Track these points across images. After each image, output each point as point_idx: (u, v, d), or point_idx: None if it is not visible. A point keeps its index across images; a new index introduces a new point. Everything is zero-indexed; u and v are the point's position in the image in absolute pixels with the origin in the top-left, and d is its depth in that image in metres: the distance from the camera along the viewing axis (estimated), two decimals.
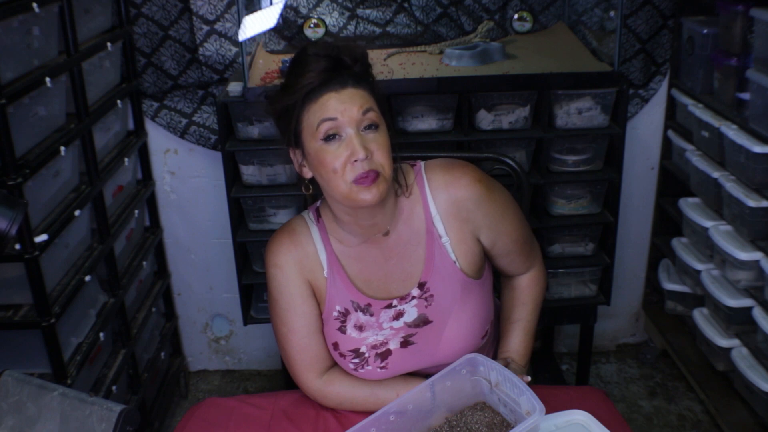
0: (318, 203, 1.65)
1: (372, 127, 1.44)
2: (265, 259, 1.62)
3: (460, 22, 2.75)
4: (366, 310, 1.60)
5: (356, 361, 1.61)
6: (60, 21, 2.10)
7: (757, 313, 2.39)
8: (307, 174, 1.52)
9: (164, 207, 2.99)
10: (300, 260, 1.59)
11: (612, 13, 2.63)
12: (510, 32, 2.80)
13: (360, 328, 1.60)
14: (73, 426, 1.29)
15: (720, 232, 2.53)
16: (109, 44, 2.43)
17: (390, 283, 1.60)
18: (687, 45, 2.71)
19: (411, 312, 1.60)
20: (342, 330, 1.61)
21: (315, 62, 1.42)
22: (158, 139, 2.87)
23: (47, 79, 1.98)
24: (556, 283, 2.70)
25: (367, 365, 1.60)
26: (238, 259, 2.61)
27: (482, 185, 1.58)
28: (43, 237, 1.94)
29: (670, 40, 2.77)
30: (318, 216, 1.63)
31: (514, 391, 1.38)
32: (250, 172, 2.51)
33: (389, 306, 1.60)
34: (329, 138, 1.43)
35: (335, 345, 1.62)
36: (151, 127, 2.84)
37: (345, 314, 1.60)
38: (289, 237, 1.61)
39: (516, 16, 2.77)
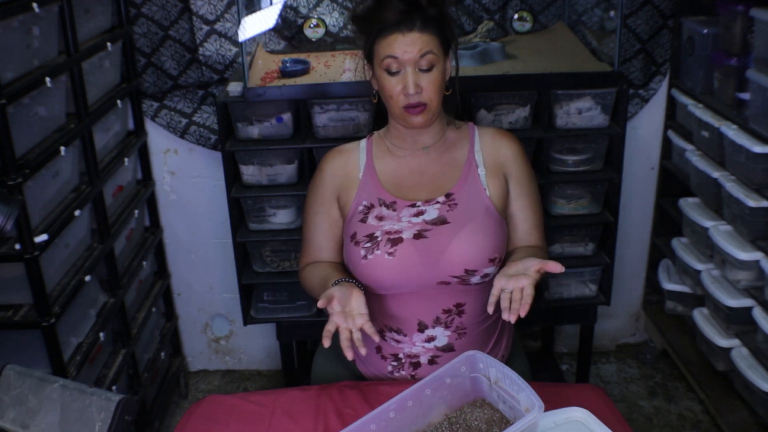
0: (374, 132, 1.89)
1: (428, 66, 1.66)
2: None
3: (460, 22, 2.75)
4: (390, 206, 1.76)
5: (368, 245, 1.71)
6: (60, 21, 2.11)
7: (757, 313, 2.39)
8: (375, 85, 1.76)
9: (164, 207, 2.99)
10: (340, 167, 1.83)
11: (612, 13, 2.64)
12: (510, 32, 2.80)
13: (380, 218, 1.75)
14: (72, 416, 1.30)
15: (720, 232, 2.53)
16: (109, 44, 2.43)
17: (419, 190, 1.78)
18: (687, 45, 2.72)
19: (431, 212, 1.74)
20: (363, 220, 1.76)
21: (393, 4, 1.62)
22: (158, 139, 2.87)
23: (47, 79, 1.99)
24: (556, 283, 2.70)
25: (377, 249, 1.70)
26: (238, 259, 2.61)
27: (523, 149, 1.84)
28: (43, 237, 1.94)
29: (670, 40, 2.77)
30: (370, 137, 1.88)
31: (513, 388, 1.38)
32: (250, 172, 2.51)
33: (413, 205, 1.76)
34: (390, 69, 1.67)
35: (353, 236, 1.75)
36: (151, 127, 2.84)
37: (369, 207, 1.77)
38: (339, 149, 1.88)
39: (516, 16, 2.77)
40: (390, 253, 1.69)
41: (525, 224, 1.81)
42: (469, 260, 1.68)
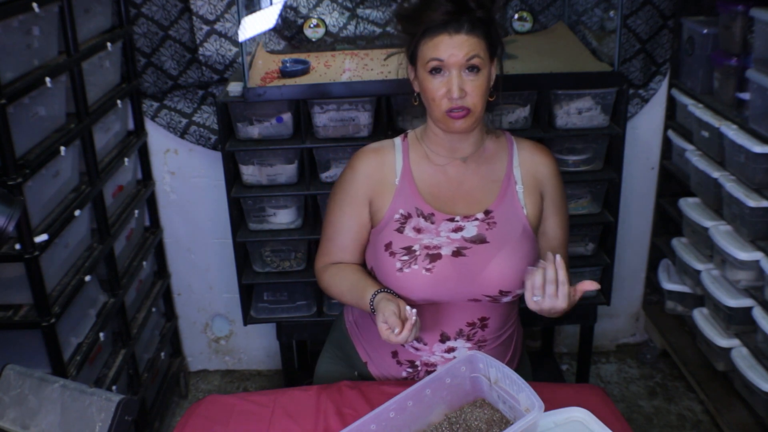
0: (408, 131, 1.83)
1: (474, 70, 1.60)
2: (348, 162, 1.82)
3: None
4: (428, 218, 1.71)
5: (405, 258, 1.67)
6: (60, 21, 2.11)
7: (757, 313, 2.39)
8: (417, 88, 1.71)
9: (164, 207, 2.99)
10: (375, 169, 1.76)
11: (612, 13, 2.64)
12: (510, 32, 2.80)
13: (418, 230, 1.71)
14: (73, 417, 1.30)
15: (720, 232, 2.53)
16: (109, 44, 2.43)
17: (457, 203, 1.74)
18: (687, 45, 2.72)
19: (471, 229, 1.71)
20: (400, 230, 1.71)
21: (441, 4, 1.57)
22: (158, 139, 2.87)
23: (47, 79, 1.99)
24: None
25: (415, 264, 1.67)
26: (238, 259, 2.61)
27: (558, 169, 1.82)
28: (43, 237, 1.94)
29: (670, 40, 2.77)
30: (405, 137, 1.81)
31: (513, 388, 1.39)
32: (250, 172, 2.51)
33: (451, 220, 1.71)
34: (434, 71, 1.61)
35: (388, 245, 1.71)
36: (151, 127, 2.84)
37: (406, 217, 1.72)
38: (374, 148, 1.80)
39: (516, 16, 2.77)
40: (428, 269, 1.66)
41: (553, 242, 1.81)
42: (505, 282, 1.67)
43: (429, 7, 1.58)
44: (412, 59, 1.68)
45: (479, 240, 1.69)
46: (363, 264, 1.83)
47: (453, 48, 1.58)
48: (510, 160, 1.77)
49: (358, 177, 1.77)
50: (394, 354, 1.78)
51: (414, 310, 1.55)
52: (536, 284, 1.53)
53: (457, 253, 1.67)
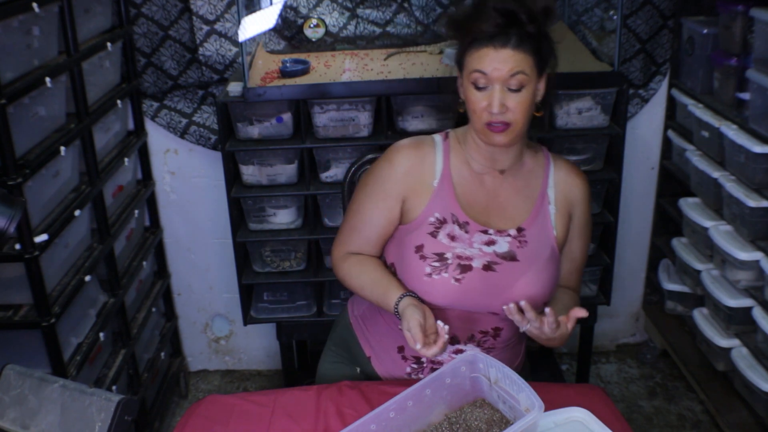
0: (448, 130, 1.80)
1: (517, 86, 1.58)
2: (384, 153, 1.78)
3: None
4: (463, 226, 1.70)
5: (436, 264, 1.67)
6: (60, 21, 2.11)
7: (757, 313, 2.39)
8: (461, 94, 1.68)
9: (164, 207, 2.99)
10: (413, 166, 1.73)
11: (612, 13, 2.64)
12: None
13: (452, 238, 1.69)
14: (73, 417, 1.30)
15: (720, 232, 2.53)
16: (109, 44, 2.43)
17: (492, 216, 1.72)
18: (687, 45, 2.72)
19: (503, 244, 1.70)
20: (433, 234, 1.69)
21: (490, 16, 1.55)
22: (158, 139, 2.87)
23: (47, 79, 1.99)
24: None
25: (445, 272, 1.66)
26: (238, 259, 2.61)
27: (590, 193, 1.81)
28: (43, 237, 1.94)
29: (670, 40, 2.77)
30: (446, 137, 1.77)
31: (513, 388, 1.39)
32: (250, 172, 2.51)
33: (485, 232, 1.70)
34: (477, 83, 1.60)
35: (419, 247, 1.69)
36: (151, 127, 2.84)
37: (441, 222, 1.70)
38: (414, 144, 1.76)
39: None
40: (457, 279, 1.66)
41: (571, 264, 1.82)
42: (533, 298, 1.65)
43: (479, 18, 1.56)
44: (459, 65, 1.66)
45: (510, 257, 1.69)
46: (381, 257, 1.82)
47: (497, 62, 1.56)
48: (545, 179, 1.76)
49: (396, 172, 1.73)
50: (400, 349, 1.79)
51: (447, 327, 1.54)
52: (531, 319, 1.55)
53: (487, 267, 1.67)
